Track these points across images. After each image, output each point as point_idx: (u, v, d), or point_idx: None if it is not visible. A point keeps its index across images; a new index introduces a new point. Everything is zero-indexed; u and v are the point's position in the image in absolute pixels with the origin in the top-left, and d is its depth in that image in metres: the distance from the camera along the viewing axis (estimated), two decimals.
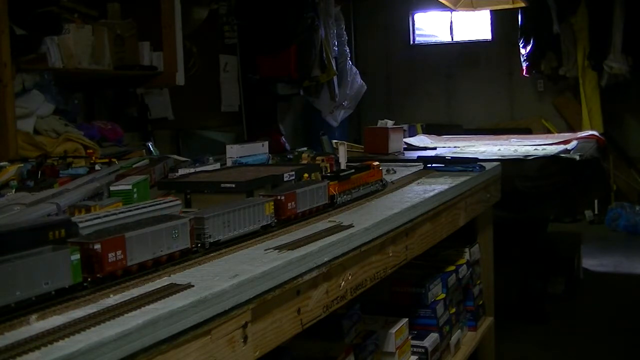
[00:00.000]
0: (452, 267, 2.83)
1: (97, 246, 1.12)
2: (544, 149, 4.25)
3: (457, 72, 8.93)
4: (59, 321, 0.99)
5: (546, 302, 4.75)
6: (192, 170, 2.37)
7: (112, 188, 1.91)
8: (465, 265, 2.93)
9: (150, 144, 4.64)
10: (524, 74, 8.22)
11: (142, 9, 4.83)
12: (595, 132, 5.45)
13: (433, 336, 2.52)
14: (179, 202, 1.64)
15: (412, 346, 2.41)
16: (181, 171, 2.40)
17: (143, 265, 1.23)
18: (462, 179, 2.67)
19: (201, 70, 6.06)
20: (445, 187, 2.45)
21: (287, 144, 6.81)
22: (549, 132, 7.61)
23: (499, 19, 8.54)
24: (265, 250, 1.46)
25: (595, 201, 7.74)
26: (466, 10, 7.14)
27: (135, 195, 1.86)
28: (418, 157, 3.66)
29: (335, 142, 3.99)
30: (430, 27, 9.20)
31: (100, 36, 4.36)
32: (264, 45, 6.75)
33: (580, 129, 7.03)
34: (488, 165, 3.09)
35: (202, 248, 1.40)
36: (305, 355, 1.95)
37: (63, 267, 1.06)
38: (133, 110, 5.38)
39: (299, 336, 1.50)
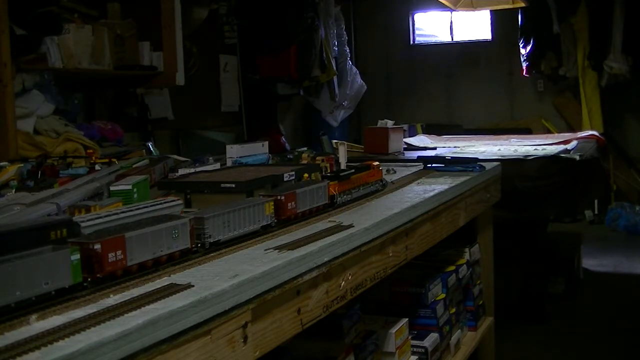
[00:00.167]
0: (452, 267, 2.83)
1: (97, 246, 1.12)
2: (544, 149, 4.25)
3: (457, 72, 8.93)
4: (59, 321, 0.99)
5: (546, 302, 4.75)
6: (192, 170, 2.37)
7: (112, 188, 1.91)
8: (465, 265, 2.92)
9: (150, 144, 4.65)
10: (524, 74, 8.23)
11: (142, 9, 4.82)
12: (595, 132, 5.44)
13: (433, 336, 2.52)
14: (180, 202, 1.64)
15: (412, 346, 2.41)
16: (181, 171, 2.40)
17: (143, 265, 1.23)
18: (462, 179, 2.67)
19: (201, 70, 6.06)
20: (445, 187, 2.45)
21: (287, 144, 6.81)
22: (549, 132, 7.61)
23: (499, 19, 8.54)
24: (265, 250, 1.46)
25: (595, 201, 7.73)
26: (466, 10, 7.14)
27: (135, 195, 1.86)
28: (418, 157, 3.66)
29: (335, 142, 3.99)
30: (430, 27, 9.21)
31: (100, 36, 4.36)
32: (264, 45, 6.76)
33: (580, 129, 7.03)
34: (488, 165, 3.09)
35: (202, 248, 1.40)
36: (305, 355, 1.95)
37: (63, 267, 1.06)
38: (133, 110, 5.38)
39: (299, 336, 1.50)
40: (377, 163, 2.29)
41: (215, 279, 1.22)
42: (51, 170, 2.43)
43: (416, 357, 2.41)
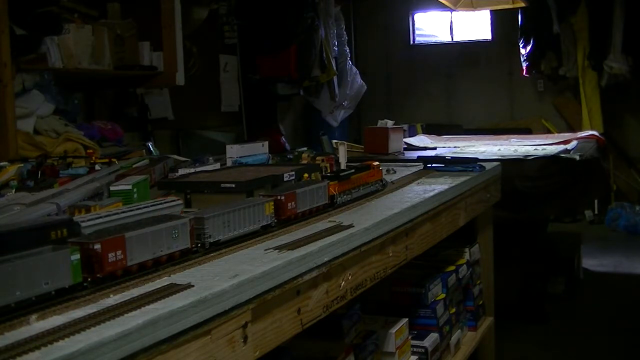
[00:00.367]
0: (452, 267, 2.83)
1: (97, 246, 1.12)
2: (544, 149, 4.25)
3: (457, 72, 8.93)
4: (59, 321, 0.99)
5: (546, 302, 4.75)
6: (192, 170, 2.37)
7: (112, 188, 1.91)
8: (465, 265, 2.92)
9: (150, 144, 4.65)
10: (524, 74, 8.22)
11: (142, 9, 4.83)
12: (595, 132, 5.44)
13: (433, 336, 2.52)
14: (180, 202, 1.64)
15: (412, 346, 2.41)
16: (181, 171, 2.40)
17: (143, 265, 1.23)
18: (462, 179, 2.67)
19: (201, 70, 6.06)
20: (445, 187, 2.45)
21: (287, 144, 6.81)
22: (549, 132, 7.61)
23: (499, 19, 8.54)
24: (265, 250, 1.46)
25: (595, 201, 7.74)
26: (466, 10, 7.14)
27: (135, 195, 1.86)
28: (418, 157, 3.66)
29: (335, 142, 3.98)
30: (430, 27, 9.21)
31: (100, 36, 4.36)
32: (264, 45, 6.75)
33: (580, 129, 7.03)
34: (488, 165, 3.09)
35: (202, 248, 1.40)
36: (305, 355, 1.95)
37: (63, 267, 1.06)
38: (133, 110, 5.38)
39: (299, 336, 1.50)
40: (377, 163, 2.29)
41: (215, 279, 1.22)
42: (51, 170, 2.43)
43: (416, 357, 2.41)
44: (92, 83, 4.91)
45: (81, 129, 4.01)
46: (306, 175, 2.08)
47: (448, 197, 2.44)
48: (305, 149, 3.29)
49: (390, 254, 1.94)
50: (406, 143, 4.78)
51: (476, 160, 3.10)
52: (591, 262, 6.01)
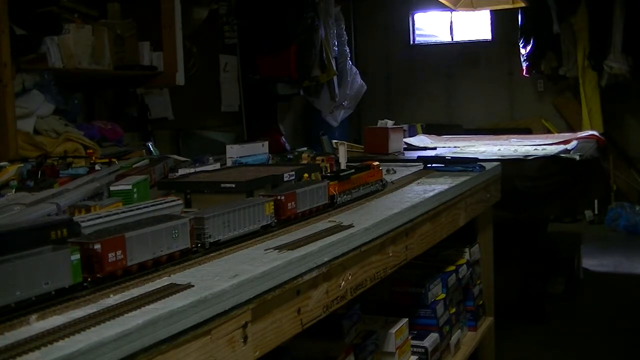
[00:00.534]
0: (452, 267, 2.83)
1: (97, 246, 1.12)
2: (544, 149, 4.25)
3: (457, 72, 8.93)
4: (59, 321, 0.99)
5: (546, 302, 4.75)
6: (192, 170, 2.37)
7: (112, 188, 1.91)
8: (465, 265, 2.92)
9: (150, 144, 4.64)
10: (524, 74, 8.22)
11: (142, 9, 4.83)
12: (595, 132, 5.44)
13: (433, 336, 2.52)
14: (180, 202, 1.64)
15: (412, 346, 2.41)
16: (181, 171, 2.40)
17: (143, 265, 1.23)
18: (462, 179, 2.67)
19: (201, 70, 6.06)
20: (445, 187, 2.45)
21: (287, 144, 6.81)
22: (549, 132, 7.61)
23: (499, 19, 8.54)
24: (265, 250, 1.46)
25: (595, 201, 7.74)
26: (466, 10, 7.14)
27: (135, 195, 1.86)
28: (418, 157, 3.66)
29: (335, 142, 3.99)
30: (430, 27, 9.21)
31: (100, 36, 4.36)
32: (264, 45, 6.75)
33: (580, 129, 7.03)
34: (488, 165, 3.09)
35: (202, 248, 1.40)
36: (305, 355, 1.95)
37: (63, 267, 1.06)
38: (133, 110, 5.38)
39: (299, 336, 1.50)
40: (377, 163, 2.29)
41: (215, 279, 1.22)
42: (51, 170, 2.43)
43: (416, 357, 2.41)
44: (92, 83, 4.91)
45: (81, 129, 4.01)
46: (306, 175, 2.08)
47: (448, 197, 2.44)
48: (305, 149, 3.29)
49: (390, 254, 1.94)
50: (406, 143, 4.78)
51: (476, 160, 3.10)
52: (591, 262, 6.01)
